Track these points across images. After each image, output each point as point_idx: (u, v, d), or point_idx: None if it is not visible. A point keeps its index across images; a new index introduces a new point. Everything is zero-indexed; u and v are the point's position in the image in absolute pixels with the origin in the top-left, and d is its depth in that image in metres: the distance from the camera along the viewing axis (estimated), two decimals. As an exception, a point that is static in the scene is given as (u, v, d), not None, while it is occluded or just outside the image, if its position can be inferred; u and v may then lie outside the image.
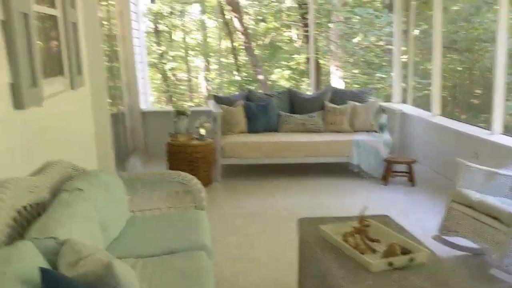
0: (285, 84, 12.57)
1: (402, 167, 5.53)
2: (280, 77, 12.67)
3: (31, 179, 2.39)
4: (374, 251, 2.49)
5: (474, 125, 5.42)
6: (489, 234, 3.18)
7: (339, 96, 6.27)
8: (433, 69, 5.92)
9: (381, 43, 11.07)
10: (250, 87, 12.74)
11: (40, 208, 2.42)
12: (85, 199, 2.49)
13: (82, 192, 2.52)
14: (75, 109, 3.57)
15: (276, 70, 12.83)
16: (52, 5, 3.11)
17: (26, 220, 2.24)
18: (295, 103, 6.31)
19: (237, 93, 13.29)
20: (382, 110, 6.05)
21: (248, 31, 12.80)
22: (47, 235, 1.98)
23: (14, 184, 2.16)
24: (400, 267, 2.29)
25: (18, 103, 2.38)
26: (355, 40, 11.20)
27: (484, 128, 5.09)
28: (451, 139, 5.33)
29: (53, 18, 3.16)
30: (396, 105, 6.67)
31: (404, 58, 7.19)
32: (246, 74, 13.40)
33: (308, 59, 11.63)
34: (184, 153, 5.29)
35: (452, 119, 5.97)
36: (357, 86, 11.58)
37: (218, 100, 6.17)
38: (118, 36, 5.91)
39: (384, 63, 11.29)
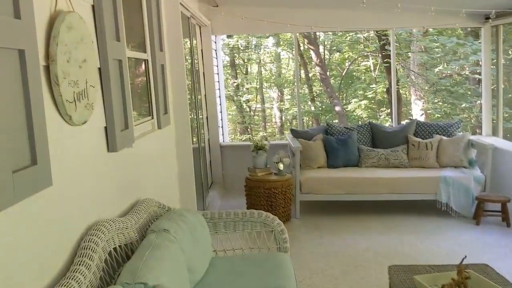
0: (362, 113, 12.31)
1: (495, 206, 5.13)
2: (357, 107, 12.45)
3: (121, 220, 2.43)
4: (477, 307, 2.28)
5: None
6: None
7: (423, 129, 5.99)
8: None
9: (465, 71, 10.58)
10: (324, 116, 12.64)
11: (129, 248, 2.46)
12: (172, 240, 2.49)
13: (169, 233, 2.53)
14: (161, 147, 3.65)
15: (353, 100, 12.63)
16: (143, 50, 3.24)
17: (116, 262, 2.28)
18: (376, 136, 6.09)
19: (311, 123, 13.29)
20: (471, 144, 5.69)
21: (324, 61, 12.80)
22: (137, 280, 1.97)
23: (107, 226, 2.20)
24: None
25: (111, 146, 2.45)
26: (436, 70, 10.79)
27: None
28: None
29: (143, 61, 3.28)
30: (485, 138, 6.25)
31: (492, 87, 6.77)
32: (320, 104, 13.33)
33: (387, 89, 11.38)
34: (262, 188, 5.25)
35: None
36: (438, 116, 11.10)
37: (296, 134, 6.10)
38: (199, 71, 6.08)
39: (468, 92, 10.76)
